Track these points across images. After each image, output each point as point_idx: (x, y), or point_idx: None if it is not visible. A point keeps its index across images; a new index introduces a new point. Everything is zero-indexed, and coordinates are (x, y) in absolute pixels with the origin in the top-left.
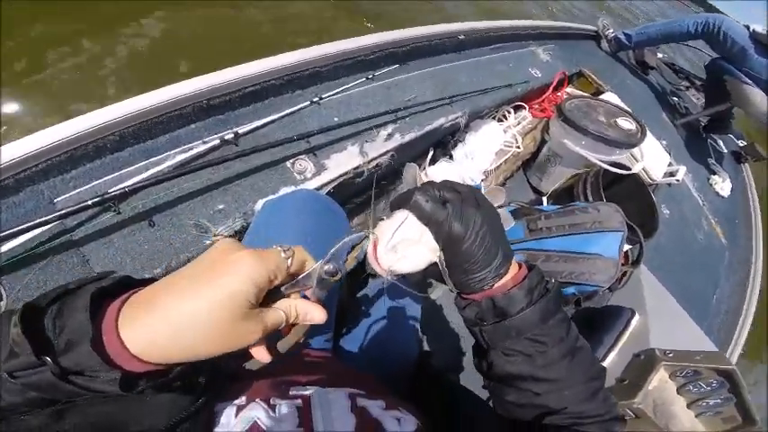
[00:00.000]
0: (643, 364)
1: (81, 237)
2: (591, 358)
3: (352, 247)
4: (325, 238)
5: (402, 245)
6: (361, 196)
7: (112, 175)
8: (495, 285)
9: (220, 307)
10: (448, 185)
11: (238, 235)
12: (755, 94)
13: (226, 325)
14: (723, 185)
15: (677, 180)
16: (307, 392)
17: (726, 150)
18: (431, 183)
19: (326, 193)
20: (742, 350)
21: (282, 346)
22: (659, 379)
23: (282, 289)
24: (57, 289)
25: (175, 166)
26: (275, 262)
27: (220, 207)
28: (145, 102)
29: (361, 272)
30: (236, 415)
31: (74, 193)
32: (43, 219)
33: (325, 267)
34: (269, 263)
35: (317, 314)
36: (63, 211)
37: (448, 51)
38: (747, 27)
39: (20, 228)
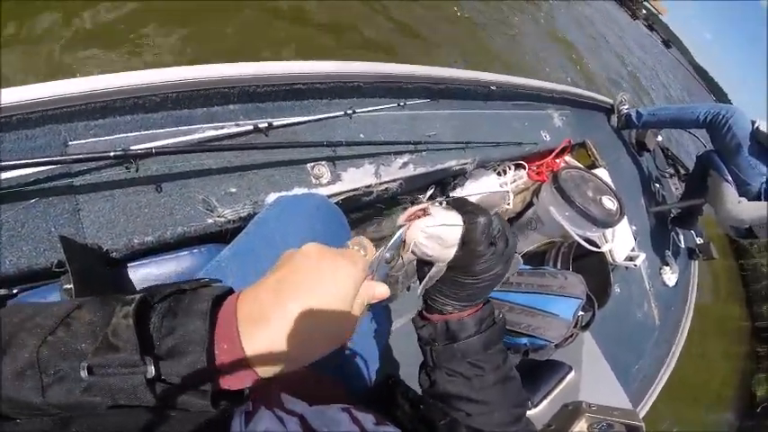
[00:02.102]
0: (570, 413)
1: (82, 185)
2: (519, 387)
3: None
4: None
5: (433, 238)
6: (358, 213)
7: (135, 134)
8: (453, 314)
9: (337, 305)
10: (506, 232)
11: (242, 221)
12: (730, 194)
13: (342, 321)
14: (671, 277)
15: (635, 265)
16: (298, 409)
17: (683, 246)
18: (498, 217)
19: (335, 204)
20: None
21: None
22: (579, 429)
23: None
24: (169, 286)
25: (203, 140)
26: (364, 265)
27: (233, 190)
28: (195, 73)
29: None
30: (246, 423)
31: (91, 140)
32: (47, 158)
33: (386, 255)
34: (361, 266)
35: (383, 290)
36: (77, 156)
37: (476, 98)
38: (753, 123)
39: (19, 162)
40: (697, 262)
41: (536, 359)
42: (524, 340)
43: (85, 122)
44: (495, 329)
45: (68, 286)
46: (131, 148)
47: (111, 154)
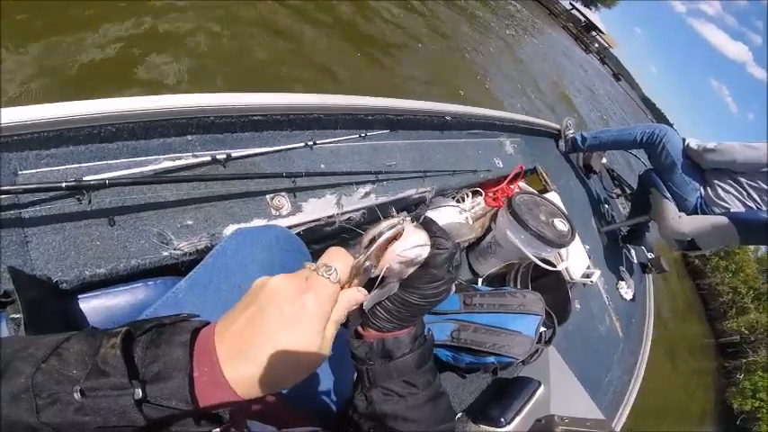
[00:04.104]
0: (543, 427)
1: (31, 216)
2: (448, 403)
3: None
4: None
5: (404, 262)
6: (322, 244)
7: (89, 164)
8: (391, 332)
9: (300, 349)
10: (458, 264)
11: (199, 254)
12: (670, 210)
13: (313, 352)
14: (627, 291)
15: (591, 282)
16: None
17: (636, 261)
18: (459, 246)
19: (296, 234)
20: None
21: None
22: None
23: None
24: (150, 320)
25: (159, 171)
26: (331, 294)
27: (189, 223)
28: (152, 103)
29: None
30: None
31: (43, 170)
32: None
33: (366, 265)
34: (327, 298)
35: (358, 297)
36: (27, 186)
37: (433, 128)
38: (683, 140)
39: None
40: (650, 276)
41: (505, 377)
42: (492, 359)
43: (37, 151)
44: (426, 346)
45: (16, 316)
46: (84, 178)
47: (63, 185)
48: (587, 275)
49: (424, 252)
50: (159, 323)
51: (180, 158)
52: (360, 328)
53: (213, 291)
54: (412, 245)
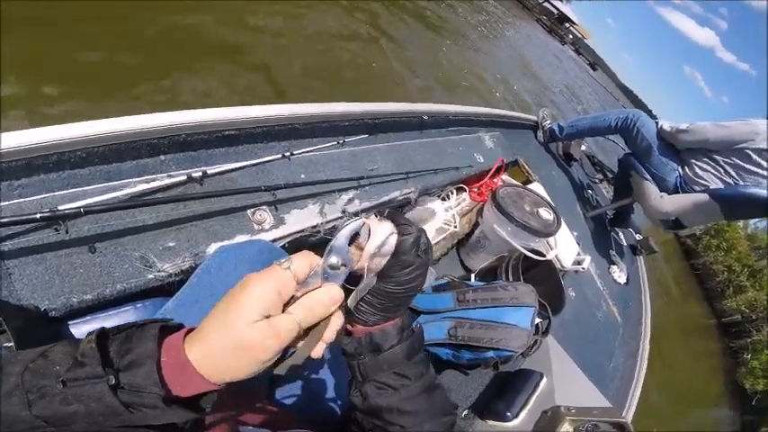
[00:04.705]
0: (550, 419)
1: (9, 249)
2: (445, 396)
3: (353, 237)
4: None
5: (383, 256)
6: None
7: (63, 192)
8: (377, 325)
9: (237, 326)
10: (430, 247)
11: (185, 274)
12: (651, 191)
13: (252, 332)
14: (620, 274)
15: (583, 268)
16: None
17: (625, 243)
18: (425, 232)
19: (280, 247)
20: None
21: (297, 356)
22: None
23: (296, 294)
24: (127, 324)
25: (135, 195)
26: (276, 277)
27: (171, 244)
28: (122, 125)
29: None
30: None
31: (17, 201)
32: None
33: (329, 261)
34: (271, 279)
35: (332, 294)
36: (1, 220)
37: (411, 129)
38: (657, 123)
39: None
40: (642, 257)
41: (507, 371)
42: (491, 354)
43: (8, 182)
44: (415, 337)
45: (8, 344)
46: (59, 208)
47: (38, 215)
48: (578, 262)
49: (392, 240)
50: (134, 324)
51: (155, 180)
52: (348, 326)
53: (199, 309)
54: (382, 238)
